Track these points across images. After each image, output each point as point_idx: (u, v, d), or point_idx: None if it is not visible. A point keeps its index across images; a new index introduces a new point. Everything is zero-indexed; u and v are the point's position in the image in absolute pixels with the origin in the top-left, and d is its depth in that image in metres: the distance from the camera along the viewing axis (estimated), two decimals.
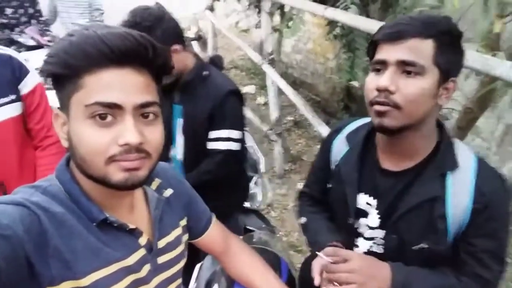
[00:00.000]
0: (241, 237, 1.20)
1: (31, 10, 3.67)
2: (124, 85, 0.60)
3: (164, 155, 1.55)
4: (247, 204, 2.02)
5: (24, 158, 1.33)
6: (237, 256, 0.99)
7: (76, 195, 0.66)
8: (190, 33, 5.46)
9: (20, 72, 1.29)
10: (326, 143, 1.11)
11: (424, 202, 0.86)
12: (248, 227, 1.87)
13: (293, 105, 4.07)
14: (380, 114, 0.82)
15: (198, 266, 1.26)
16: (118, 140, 0.60)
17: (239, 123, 1.55)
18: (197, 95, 1.47)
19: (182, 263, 0.86)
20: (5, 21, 3.58)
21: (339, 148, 1.04)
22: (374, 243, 0.97)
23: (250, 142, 2.50)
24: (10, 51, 1.32)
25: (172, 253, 0.82)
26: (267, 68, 3.51)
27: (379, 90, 0.81)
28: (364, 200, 0.97)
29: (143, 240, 0.74)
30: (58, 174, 0.68)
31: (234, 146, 1.52)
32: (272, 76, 3.44)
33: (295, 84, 5.93)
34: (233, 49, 7.62)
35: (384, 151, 0.95)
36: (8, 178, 1.26)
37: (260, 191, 2.07)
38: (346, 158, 1.01)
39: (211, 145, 1.51)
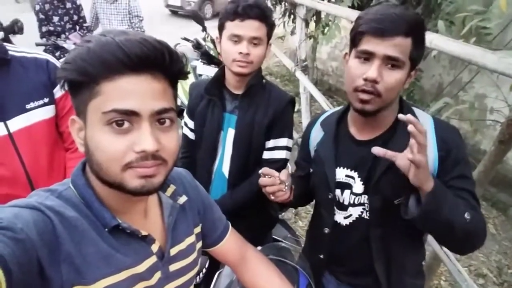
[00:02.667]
0: (259, 247, 1.17)
1: (75, 17, 3.86)
2: (141, 92, 0.60)
3: (208, 170, 1.51)
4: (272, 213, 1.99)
5: (55, 160, 1.38)
6: (253, 267, 0.96)
7: (90, 200, 0.66)
8: None
9: (56, 76, 1.34)
10: (305, 136, 1.27)
11: None
12: (273, 236, 1.84)
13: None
14: (364, 101, 0.95)
15: (217, 273, 1.25)
16: (135, 147, 0.60)
17: (292, 132, 1.54)
18: (256, 103, 1.43)
19: (194, 271, 0.85)
20: (51, 28, 3.79)
21: (316, 135, 1.20)
22: (363, 208, 1.08)
23: None
24: (48, 56, 1.38)
25: (184, 261, 0.81)
26: (299, 74, 3.48)
27: (367, 79, 0.92)
28: (343, 174, 1.09)
29: (155, 247, 0.73)
30: (73, 179, 0.69)
31: (288, 155, 1.50)
32: (305, 83, 3.40)
33: (330, 91, 5.85)
34: (269, 55, 7.63)
35: (358, 126, 1.08)
36: (38, 178, 1.30)
37: None
38: (323, 140, 1.16)
39: (267, 155, 1.46)
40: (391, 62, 0.91)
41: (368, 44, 0.92)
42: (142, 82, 0.60)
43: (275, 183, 1.06)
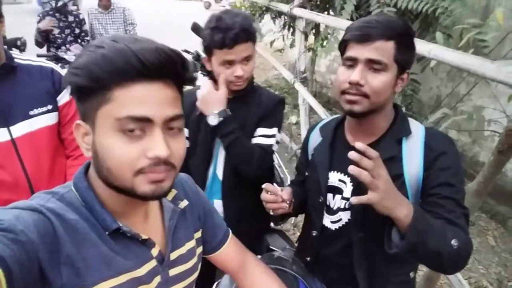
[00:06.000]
0: (259, 256, 1.16)
1: (77, 31, 3.91)
2: (155, 99, 0.60)
3: (202, 174, 1.51)
4: (271, 224, 1.97)
5: (56, 166, 1.38)
6: (253, 275, 0.96)
7: (91, 203, 0.66)
8: None
9: (60, 84, 1.36)
10: (304, 141, 1.31)
11: (383, 161, 0.89)
12: (271, 247, 1.82)
13: None
14: (351, 102, 0.98)
15: (215, 284, 1.24)
16: (147, 153, 0.60)
17: (281, 128, 1.55)
18: (248, 105, 1.46)
19: (194, 276, 0.84)
20: (52, 39, 3.83)
21: (314, 140, 1.23)
22: None
23: (276, 161, 2.48)
24: (52, 64, 1.40)
25: (184, 266, 0.80)
26: (298, 86, 3.51)
27: (350, 83, 0.96)
28: (336, 178, 1.11)
29: (155, 251, 0.73)
30: (75, 182, 0.69)
31: (275, 146, 1.50)
32: (304, 94, 3.42)
33: (329, 103, 5.89)
34: (269, 68, 7.71)
35: (353, 132, 1.11)
36: (38, 184, 1.30)
37: None
38: (319, 145, 1.19)
39: (254, 140, 1.46)
40: (374, 65, 0.95)
41: (352, 51, 0.97)
42: (156, 89, 0.61)
43: (277, 200, 1.10)
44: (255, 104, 1.46)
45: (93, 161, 0.65)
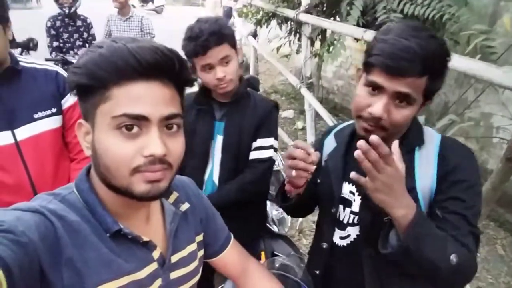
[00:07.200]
0: (262, 261, 1.15)
1: (85, 35, 3.96)
2: (151, 97, 0.61)
3: (199, 179, 1.52)
4: (275, 229, 1.97)
5: (59, 169, 1.39)
6: (255, 280, 0.95)
7: (93, 205, 0.66)
8: None
9: (64, 87, 1.37)
10: (318, 144, 1.22)
11: None
12: (275, 252, 1.81)
13: None
14: (367, 130, 0.90)
15: None
16: (143, 151, 0.60)
17: (277, 134, 1.59)
18: (243, 109, 1.49)
19: (195, 280, 0.84)
20: (61, 44, 3.89)
21: (328, 146, 1.16)
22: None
23: (282, 166, 2.48)
24: (57, 68, 1.41)
25: (185, 269, 0.80)
26: (305, 91, 3.50)
27: (371, 115, 0.87)
28: (347, 189, 1.06)
29: (156, 254, 0.73)
30: (77, 183, 0.69)
31: (274, 155, 1.54)
32: (310, 100, 3.42)
33: (336, 109, 5.88)
34: (275, 74, 7.74)
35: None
36: (42, 187, 1.30)
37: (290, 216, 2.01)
38: (333, 152, 1.12)
39: (256, 154, 1.51)
40: (402, 98, 0.85)
41: (379, 78, 0.86)
42: (152, 88, 0.61)
43: (307, 160, 0.93)
44: (251, 108, 1.50)
45: (92, 159, 0.66)
